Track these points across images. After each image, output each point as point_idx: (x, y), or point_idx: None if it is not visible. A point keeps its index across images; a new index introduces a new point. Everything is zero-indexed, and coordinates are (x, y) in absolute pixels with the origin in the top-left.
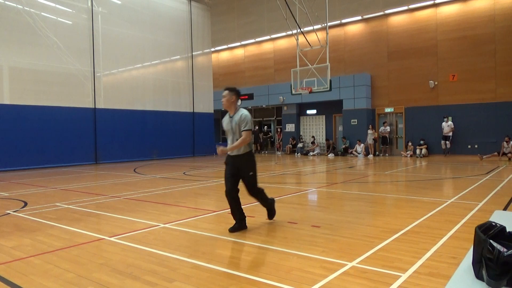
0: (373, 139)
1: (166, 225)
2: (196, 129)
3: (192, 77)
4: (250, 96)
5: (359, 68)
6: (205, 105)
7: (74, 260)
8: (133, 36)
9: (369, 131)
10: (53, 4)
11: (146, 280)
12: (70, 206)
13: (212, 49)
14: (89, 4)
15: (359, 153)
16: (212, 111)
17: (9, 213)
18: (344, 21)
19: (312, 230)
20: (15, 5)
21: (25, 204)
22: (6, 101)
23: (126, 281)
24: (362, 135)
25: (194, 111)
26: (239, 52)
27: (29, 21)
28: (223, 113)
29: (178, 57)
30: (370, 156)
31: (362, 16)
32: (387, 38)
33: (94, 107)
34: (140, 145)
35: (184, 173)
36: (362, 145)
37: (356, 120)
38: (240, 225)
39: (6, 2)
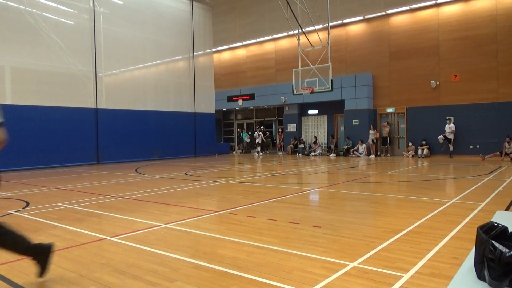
0: (374, 139)
1: (168, 225)
2: (197, 129)
3: (194, 77)
4: (252, 96)
5: (360, 68)
6: (207, 105)
7: (76, 260)
8: (134, 36)
9: (371, 131)
10: (54, 5)
11: (147, 280)
12: (72, 206)
13: (214, 49)
14: (91, 4)
15: (360, 154)
16: (214, 111)
17: (11, 213)
18: (345, 21)
19: (314, 230)
20: (17, 5)
21: (27, 204)
22: (8, 101)
23: (128, 281)
24: (363, 135)
25: (196, 111)
26: (241, 52)
27: (30, 22)
28: (224, 113)
29: (180, 57)
30: (372, 156)
31: (363, 16)
32: (388, 38)
33: (96, 107)
34: (142, 145)
35: (185, 173)
36: (364, 145)
37: (357, 120)
38: (38, 260)
39: (8, 3)
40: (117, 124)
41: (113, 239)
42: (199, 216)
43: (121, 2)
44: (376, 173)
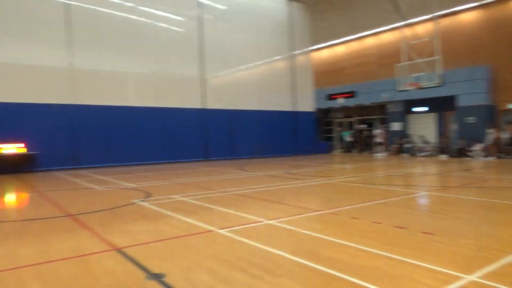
0: (494, 139)
1: (270, 222)
2: (297, 128)
3: (293, 76)
4: (352, 94)
5: (474, 60)
6: (306, 104)
7: (189, 248)
8: (236, 40)
9: (489, 131)
10: (167, 14)
11: (252, 273)
12: (185, 199)
13: (313, 48)
14: (198, 12)
15: (476, 155)
16: (314, 110)
17: (136, 202)
18: (456, 9)
19: (423, 236)
20: (135, 17)
21: (149, 194)
22: (130, 103)
23: (235, 272)
24: (479, 135)
25: (295, 110)
26: (340, 49)
27: (145, 32)
28: (324, 111)
29: (279, 57)
30: (491, 158)
31: (478, 2)
32: (508, 24)
33: (203, 107)
34: (245, 143)
35: (286, 171)
36: (479, 145)
37: (472, 118)
38: None
39: (127, 15)
40: (222, 123)
41: (221, 231)
42: (301, 214)
43: (225, 8)
44: (497, 177)
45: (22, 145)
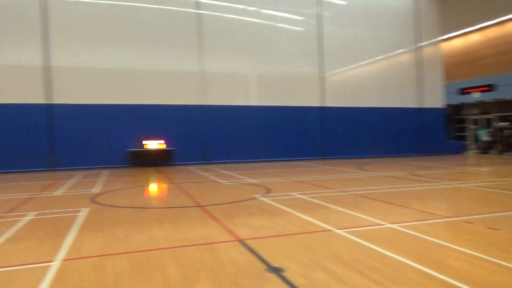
0: None
1: (392, 226)
2: (423, 125)
3: (419, 70)
4: (491, 87)
5: None
6: (434, 100)
7: (307, 245)
8: (355, 35)
9: None
10: (287, 15)
11: (371, 277)
12: (303, 197)
13: (442, 37)
14: (317, 9)
15: None
16: (443, 106)
17: (257, 197)
18: None
19: None
20: (258, 20)
21: (269, 190)
22: (253, 103)
23: (352, 275)
24: None
25: (421, 106)
26: (475, 37)
27: (267, 33)
28: (455, 107)
29: (402, 50)
30: None
31: None
32: None
33: (321, 105)
34: (364, 141)
35: (411, 172)
36: None
37: None
38: None
39: (253, 19)
40: (341, 121)
41: (339, 231)
42: (426, 220)
43: (344, 3)
44: None
45: (163, 141)
